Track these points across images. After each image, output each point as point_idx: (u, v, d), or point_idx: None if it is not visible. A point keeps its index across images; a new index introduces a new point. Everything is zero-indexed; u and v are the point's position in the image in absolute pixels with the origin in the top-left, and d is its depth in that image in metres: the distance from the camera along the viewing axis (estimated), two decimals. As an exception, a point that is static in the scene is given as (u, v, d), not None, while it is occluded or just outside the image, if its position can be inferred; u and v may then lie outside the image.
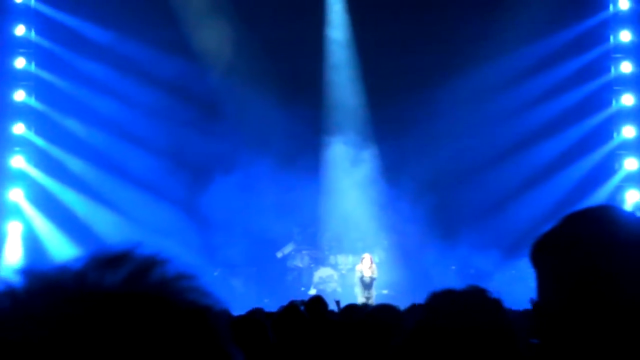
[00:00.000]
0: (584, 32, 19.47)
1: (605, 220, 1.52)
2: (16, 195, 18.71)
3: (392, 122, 18.85)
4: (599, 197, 18.50)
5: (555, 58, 19.48)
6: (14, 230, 18.55)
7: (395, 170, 18.96)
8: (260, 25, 18.97)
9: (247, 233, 18.34)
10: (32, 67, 19.12)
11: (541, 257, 1.53)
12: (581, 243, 1.48)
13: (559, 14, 19.13)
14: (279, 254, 19.37)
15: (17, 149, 18.84)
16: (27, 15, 19.07)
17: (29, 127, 18.99)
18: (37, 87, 19.09)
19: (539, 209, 18.48)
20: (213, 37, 18.82)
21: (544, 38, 19.38)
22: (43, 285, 0.80)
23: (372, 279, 17.03)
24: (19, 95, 18.91)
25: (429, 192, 18.60)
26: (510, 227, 18.54)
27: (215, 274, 18.02)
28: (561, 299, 1.47)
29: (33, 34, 19.13)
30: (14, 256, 18.02)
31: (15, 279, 0.81)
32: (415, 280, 17.55)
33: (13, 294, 0.80)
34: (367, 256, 17.30)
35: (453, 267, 18.55)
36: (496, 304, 2.06)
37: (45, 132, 19.07)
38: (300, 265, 19.25)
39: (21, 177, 18.84)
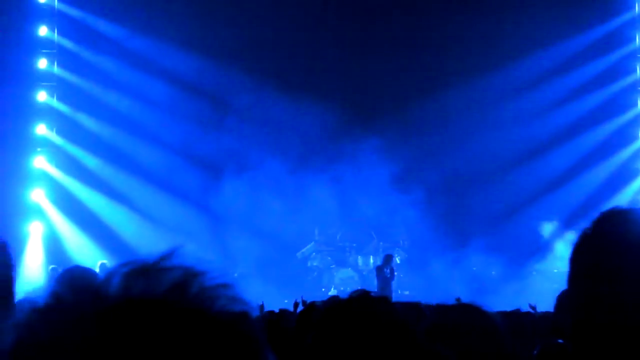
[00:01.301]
0: (609, 33, 19.35)
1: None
2: (38, 195, 18.80)
3: (407, 124, 18.77)
4: (622, 199, 18.32)
5: (579, 59, 19.38)
6: (36, 231, 18.63)
7: (410, 171, 18.91)
8: (275, 23, 18.97)
9: (266, 233, 18.33)
10: (55, 68, 19.19)
11: (576, 256, 1.57)
12: (615, 242, 1.52)
13: (583, 15, 19.00)
14: (300, 255, 19.35)
15: (38, 149, 18.92)
16: (50, 15, 19.15)
17: (50, 128, 19.07)
18: (59, 87, 19.17)
19: (563, 210, 18.38)
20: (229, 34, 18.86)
21: (567, 39, 19.24)
22: (89, 294, 0.83)
23: (391, 279, 16.95)
24: (41, 96, 19.00)
25: (443, 196, 18.55)
26: (529, 231, 18.50)
27: (235, 275, 17.99)
28: (593, 296, 1.50)
29: (56, 34, 19.20)
30: (36, 257, 18.10)
31: (61, 288, 0.84)
32: (430, 282, 17.49)
33: (60, 301, 0.83)
34: (388, 257, 17.23)
35: (474, 269, 18.46)
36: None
37: (66, 133, 19.15)
38: (321, 266, 19.21)
39: (43, 178, 18.92)
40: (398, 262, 18.26)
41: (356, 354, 2.03)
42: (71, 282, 0.85)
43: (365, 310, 2.12)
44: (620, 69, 19.43)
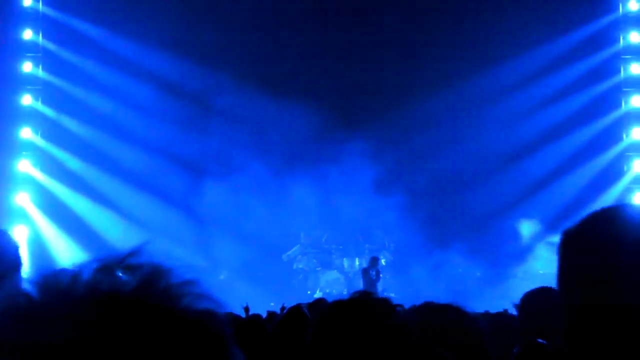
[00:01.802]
0: (593, 34, 19.41)
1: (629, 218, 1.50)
2: (22, 199, 18.71)
3: (392, 127, 18.77)
4: (607, 199, 18.39)
5: (563, 61, 19.43)
6: (20, 235, 18.53)
7: (394, 174, 18.93)
8: (259, 24, 18.97)
9: (250, 235, 18.31)
10: (40, 71, 19.11)
11: (565, 252, 1.53)
12: (604, 241, 1.47)
13: (566, 16, 19.07)
14: (285, 257, 19.34)
15: (23, 153, 18.83)
16: (35, 19, 19.07)
17: (35, 132, 18.99)
18: (44, 91, 19.09)
19: (547, 212, 18.45)
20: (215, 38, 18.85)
21: (551, 41, 19.31)
22: (57, 291, 0.83)
23: (376, 281, 16.99)
24: (26, 100, 18.91)
25: (427, 198, 18.59)
26: (511, 234, 18.60)
27: (221, 277, 17.97)
28: (582, 295, 1.47)
29: (40, 37, 19.13)
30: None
31: (29, 285, 0.83)
32: (413, 285, 17.52)
33: (28, 299, 0.83)
34: (374, 259, 17.27)
35: (460, 270, 18.53)
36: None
37: (51, 136, 19.08)
38: (306, 268, 19.21)
39: (27, 181, 18.83)
40: (383, 264, 18.27)
41: (358, 354, 2.02)
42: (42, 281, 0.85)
43: (368, 311, 2.11)
44: (605, 70, 19.53)
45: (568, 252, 1.53)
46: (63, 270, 0.84)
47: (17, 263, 2.76)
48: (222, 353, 0.87)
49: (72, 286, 0.84)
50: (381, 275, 17.09)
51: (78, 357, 0.79)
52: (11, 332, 0.80)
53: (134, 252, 0.88)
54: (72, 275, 0.85)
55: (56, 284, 0.84)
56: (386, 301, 2.22)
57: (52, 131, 19.09)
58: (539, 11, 18.92)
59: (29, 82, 19.01)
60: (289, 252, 19.35)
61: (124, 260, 0.87)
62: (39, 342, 0.79)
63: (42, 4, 19.14)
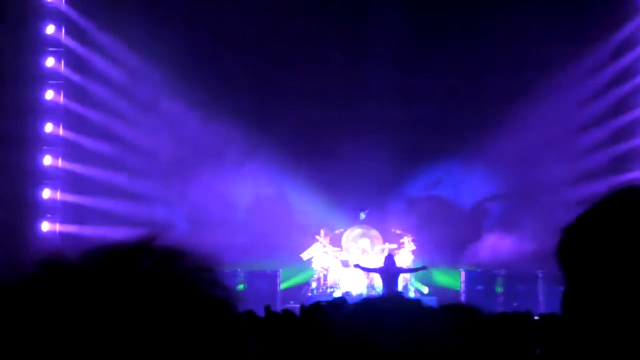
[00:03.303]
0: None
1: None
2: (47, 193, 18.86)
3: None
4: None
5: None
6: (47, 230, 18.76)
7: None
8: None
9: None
10: (62, 67, 19.22)
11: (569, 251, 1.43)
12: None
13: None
14: (304, 255, 19.32)
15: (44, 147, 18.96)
16: (57, 15, 19.16)
17: (57, 125, 19.11)
18: (66, 86, 19.20)
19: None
20: None
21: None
22: (67, 272, 0.82)
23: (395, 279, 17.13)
24: (49, 94, 19.00)
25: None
26: None
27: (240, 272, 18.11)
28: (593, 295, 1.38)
29: (63, 33, 19.23)
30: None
31: (41, 268, 0.82)
32: None
33: (40, 282, 0.81)
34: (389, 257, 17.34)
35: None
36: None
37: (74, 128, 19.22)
38: (325, 266, 19.17)
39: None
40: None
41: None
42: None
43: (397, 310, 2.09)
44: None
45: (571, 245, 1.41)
46: (75, 253, 0.83)
47: None
48: (234, 342, 0.84)
49: (79, 270, 0.82)
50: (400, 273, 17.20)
51: (88, 336, 0.77)
52: (17, 317, 0.78)
53: (144, 238, 0.86)
54: (80, 261, 0.83)
55: (67, 265, 0.82)
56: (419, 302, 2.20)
57: (75, 124, 19.20)
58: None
59: (52, 78, 19.11)
60: (308, 250, 19.33)
61: (133, 246, 0.85)
62: (46, 326, 0.77)
63: (65, 2, 19.24)
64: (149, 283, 0.81)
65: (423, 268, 17.60)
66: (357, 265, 17.65)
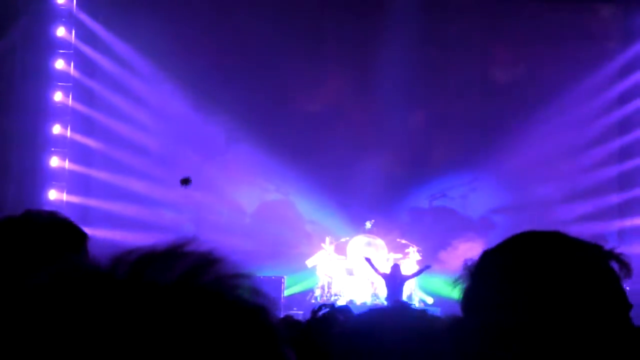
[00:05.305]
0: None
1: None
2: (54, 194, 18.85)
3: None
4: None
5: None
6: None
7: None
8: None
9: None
10: (71, 69, 19.26)
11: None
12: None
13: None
14: (309, 263, 19.32)
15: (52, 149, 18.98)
16: (68, 17, 19.19)
17: (65, 127, 19.13)
18: (74, 88, 19.24)
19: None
20: None
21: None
22: (95, 280, 0.77)
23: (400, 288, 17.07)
24: (57, 97, 19.03)
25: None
26: None
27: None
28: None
29: (73, 35, 19.26)
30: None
31: (64, 272, 0.78)
32: None
33: (72, 289, 0.77)
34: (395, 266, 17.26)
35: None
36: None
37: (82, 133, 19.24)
38: (330, 274, 19.15)
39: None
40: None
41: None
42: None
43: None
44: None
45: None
46: (102, 259, 0.79)
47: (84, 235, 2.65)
48: (273, 347, 0.80)
49: (110, 274, 0.78)
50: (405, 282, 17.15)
51: (117, 344, 0.73)
52: (41, 321, 0.75)
53: (179, 242, 0.82)
54: (110, 264, 0.79)
55: (91, 273, 0.78)
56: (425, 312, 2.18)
57: (83, 127, 19.23)
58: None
59: (61, 79, 19.14)
60: (313, 258, 19.32)
61: (167, 250, 0.81)
62: (75, 331, 0.74)
63: (76, 5, 19.28)
64: (185, 291, 0.78)
65: (427, 267, 17.45)
66: (367, 259, 17.42)
